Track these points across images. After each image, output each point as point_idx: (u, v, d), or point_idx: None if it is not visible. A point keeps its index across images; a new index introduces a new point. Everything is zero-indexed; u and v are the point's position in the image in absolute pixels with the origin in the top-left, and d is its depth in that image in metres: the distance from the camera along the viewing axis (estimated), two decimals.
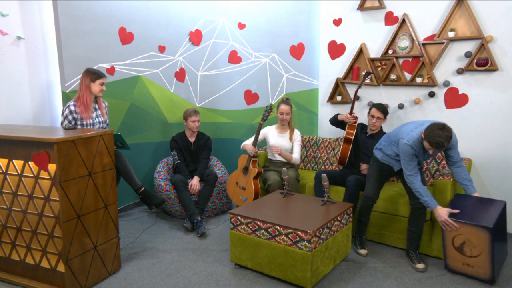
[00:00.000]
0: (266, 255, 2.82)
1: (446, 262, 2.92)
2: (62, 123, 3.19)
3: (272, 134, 4.03)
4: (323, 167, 4.30)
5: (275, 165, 4.00)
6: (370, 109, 3.58)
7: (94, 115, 3.29)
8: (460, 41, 3.62)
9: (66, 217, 2.55)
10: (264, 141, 4.18)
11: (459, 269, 2.86)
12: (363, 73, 3.82)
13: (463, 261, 2.81)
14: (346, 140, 3.66)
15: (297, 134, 4.05)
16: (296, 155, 3.98)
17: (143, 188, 3.42)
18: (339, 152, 3.72)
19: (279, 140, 3.98)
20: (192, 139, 4.25)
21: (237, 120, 5.31)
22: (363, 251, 3.24)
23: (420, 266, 2.97)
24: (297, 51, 4.86)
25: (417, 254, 3.06)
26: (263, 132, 4.07)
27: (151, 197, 3.45)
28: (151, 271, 3.02)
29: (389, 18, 4.00)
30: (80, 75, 3.29)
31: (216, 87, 5.23)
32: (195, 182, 3.97)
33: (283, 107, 3.93)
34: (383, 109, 3.53)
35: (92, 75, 3.21)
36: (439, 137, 2.67)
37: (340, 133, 4.45)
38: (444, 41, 3.66)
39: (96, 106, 3.34)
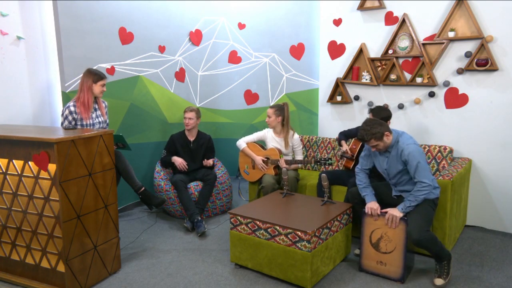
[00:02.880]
0: (266, 255, 2.82)
1: (361, 262, 2.96)
2: (62, 124, 3.19)
3: (270, 138, 3.99)
4: (323, 167, 4.29)
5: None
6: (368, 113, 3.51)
7: (94, 115, 3.29)
8: (460, 41, 3.62)
9: (66, 217, 2.56)
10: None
11: (372, 268, 2.92)
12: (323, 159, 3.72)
13: (377, 259, 2.88)
14: (345, 166, 3.68)
15: (296, 139, 3.97)
16: (300, 159, 3.97)
17: (143, 188, 3.42)
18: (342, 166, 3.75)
19: (277, 144, 3.95)
20: (191, 138, 4.23)
21: (237, 120, 5.31)
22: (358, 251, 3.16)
23: (438, 282, 2.73)
24: (297, 51, 4.86)
25: (441, 266, 2.75)
26: (261, 135, 4.06)
27: (151, 197, 3.45)
28: (151, 271, 3.02)
29: (389, 18, 4.00)
30: (81, 75, 3.29)
31: (216, 87, 5.24)
32: (180, 160, 4.04)
33: (267, 110, 3.92)
34: (378, 112, 3.33)
35: (94, 76, 3.21)
36: (361, 129, 2.77)
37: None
38: (444, 41, 3.66)
39: (96, 106, 3.34)
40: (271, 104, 3.99)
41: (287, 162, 3.81)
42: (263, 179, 3.80)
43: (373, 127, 2.74)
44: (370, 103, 4.18)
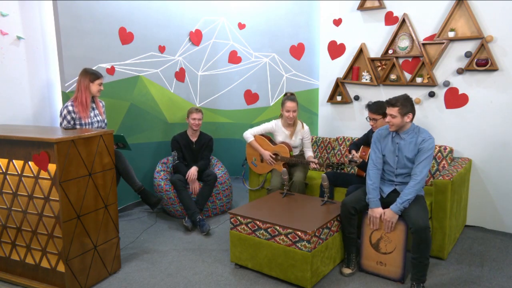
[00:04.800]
0: (266, 255, 2.82)
1: (361, 262, 2.96)
2: (61, 124, 3.19)
3: (279, 131, 3.89)
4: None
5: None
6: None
7: (92, 114, 3.30)
8: (460, 41, 3.62)
9: (66, 217, 2.55)
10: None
11: (372, 269, 2.91)
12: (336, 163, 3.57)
13: (377, 260, 2.88)
14: (358, 175, 3.56)
15: (306, 130, 3.88)
16: (309, 153, 3.87)
17: (142, 188, 3.42)
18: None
19: (286, 138, 3.86)
20: (193, 139, 4.24)
21: (237, 120, 5.31)
22: (346, 270, 2.93)
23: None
24: (297, 51, 4.86)
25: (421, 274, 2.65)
26: (269, 127, 3.93)
27: (149, 196, 3.45)
28: (151, 271, 3.02)
29: (389, 18, 4.00)
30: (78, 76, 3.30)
31: (216, 87, 5.24)
32: (193, 171, 3.94)
33: (290, 104, 3.72)
34: (376, 108, 3.27)
35: (91, 75, 3.22)
36: (394, 97, 2.77)
37: (339, 132, 4.45)
38: (444, 41, 3.66)
39: (94, 106, 3.35)
40: (288, 97, 3.78)
41: (298, 161, 3.71)
42: (271, 182, 3.72)
43: (407, 101, 2.74)
44: (369, 102, 4.16)
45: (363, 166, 3.40)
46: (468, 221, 3.77)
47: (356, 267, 2.97)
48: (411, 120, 2.78)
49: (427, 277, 2.81)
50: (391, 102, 2.74)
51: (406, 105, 2.72)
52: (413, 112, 2.76)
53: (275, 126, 3.92)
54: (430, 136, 2.77)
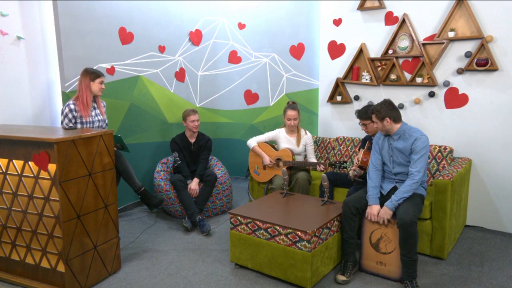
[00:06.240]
0: (266, 255, 2.82)
1: (361, 262, 2.96)
2: (62, 122, 3.20)
3: (283, 138, 3.96)
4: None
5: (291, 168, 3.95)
6: None
7: (93, 113, 3.30)
8: (460, 41, 3.62)
9: (66, 217, 2.56)
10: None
11: (372, 269, 2.91)
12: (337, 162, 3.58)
13: (377, 259, 2.88)
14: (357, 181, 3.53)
15: (310, 138, 3.96)
16: (313, 160, 3.95)
17: (142, 188, 3.42)
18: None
19: (290, 145, 3.92)
20: (192, 140, 4.24)
21: (237, 120, 5.31)
22: (341, 277, 2.82)
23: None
24: (297, 51, 4.86)
25: (413, 285, 2.66)
26: (273, 135, 4.01)
27: (150, 197, 3.45)
28: (151, 271, 3.02)
29: (389, 18, 3.99)
30: (79, 75, 3.30)
31: (216, 87, 5.24)
32: (193, 187, 3.94)
33: (290, 113, 3.84)
34: (363, 114, 3.33)
35: (91, 74, 3.23)
36: (372, 107, 2.96)
37: (339, 132, 4.45)
38: (444, 41, 3.66)
39: (95, 105, 3.35)
40: (289, 106, 3.88)
41: (301, 163, 3.77)
42: (274, 181, 3.78)
43: (383, 106, 2.84)
44: (370, 103, 4.17)
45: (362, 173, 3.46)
46: (468, 221, 3.77)
47: (351, 276, 2.85)
48: (391, 123, 2.84)
49: (427, 276, 2.84)
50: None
51: (381, 111, 2.84)
52: (391, 116, 2.83)
53: (279, 133, 3.99)
54: (422, 134, 2.83)
